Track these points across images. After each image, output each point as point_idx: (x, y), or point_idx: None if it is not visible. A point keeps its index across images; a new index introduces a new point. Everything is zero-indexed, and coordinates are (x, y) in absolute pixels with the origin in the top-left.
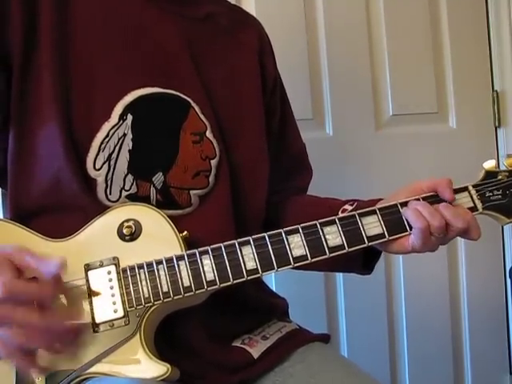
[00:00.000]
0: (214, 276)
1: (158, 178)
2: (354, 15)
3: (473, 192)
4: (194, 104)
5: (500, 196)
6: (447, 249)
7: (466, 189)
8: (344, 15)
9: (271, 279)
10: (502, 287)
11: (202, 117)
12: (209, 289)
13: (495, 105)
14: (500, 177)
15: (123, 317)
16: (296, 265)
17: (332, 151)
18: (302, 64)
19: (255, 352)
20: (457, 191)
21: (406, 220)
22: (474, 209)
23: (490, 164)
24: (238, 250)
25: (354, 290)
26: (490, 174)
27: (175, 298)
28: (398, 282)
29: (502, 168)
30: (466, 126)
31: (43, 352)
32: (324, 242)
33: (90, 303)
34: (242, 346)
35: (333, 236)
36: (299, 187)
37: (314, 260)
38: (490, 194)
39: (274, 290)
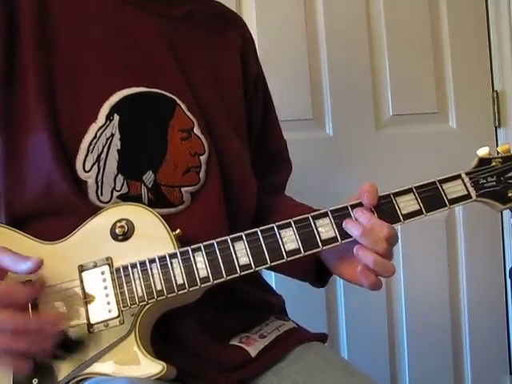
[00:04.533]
0: (208, 273)
1: (149, 177)
2: (354, 15)
3: (466, 180)
4: (179, 101)
5: (494, 183)
6: (447, 249)
7: (459, 176)
8: (344, 15)
9: (271, 278)
10: (502, 287)
11: (188, 113)
12: (202, 285)
13: (495, 105)
14: (494, 163)
15: (118, 316)
16: (289, 259)
17: (332, 151)
18: (302, 64)
19: (253, 350)
20: (450, 179)
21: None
22: (467, 196)
23: (483, 151)
24: (231, 245)
25: (354, 289)
26: (484, 161)
27: (169, 295)
28: (397, 281)
29: (496, 155)
30: (466, 125)
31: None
32: (317, 235)
33: (85, 304)
34: (239, 344)
35: (325, 229)
36: (277, 184)
37: (307, 253)
38: (484, 180)
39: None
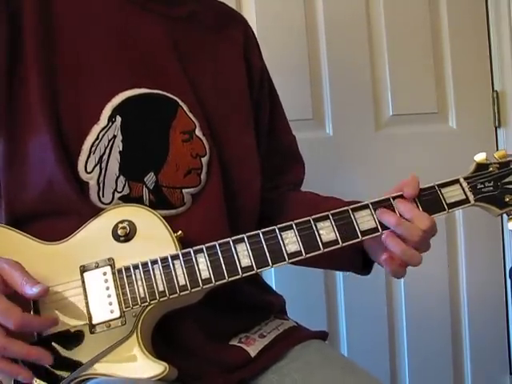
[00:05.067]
0: (209, 274)
1: (150, 178)
2: (353, 15)
3: (464, 184)
4: (181, 103)
5: (491, 188)
6: (447, 249)
7: (457, 181)
8: (344, 15)
9: (271, 277)
10: (501, 287)
11: (190, 115)
12: (204, 287)
13: (495, 105)
14: (491, 169)
15: (120, 317)
16: (291, 261)
17: (332, 151)
18: (301, 64)
19: (252, 350)
20: (448, 184)
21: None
22: (465, 201)
23: (480, 156)
24: (233, 247)
25: (354, 288)
26: (481, 167)
27: (171, 296)
28: (397, 281)
29: (493, 160)
30: (466, 125)
31: None
32: (318, 238)
33: (87, 304)
34: (239, 344)
35: (326, 231)
36: (294, 182)
37: (308, 256)
38: (482, 185)
39: (273, 287)
